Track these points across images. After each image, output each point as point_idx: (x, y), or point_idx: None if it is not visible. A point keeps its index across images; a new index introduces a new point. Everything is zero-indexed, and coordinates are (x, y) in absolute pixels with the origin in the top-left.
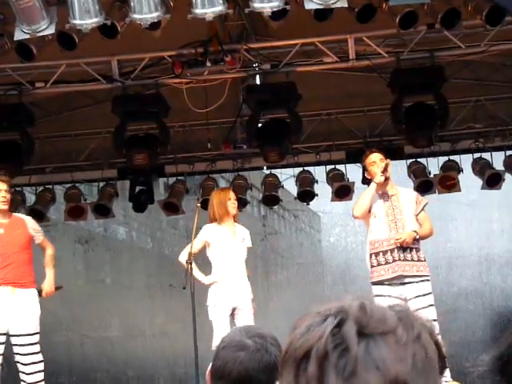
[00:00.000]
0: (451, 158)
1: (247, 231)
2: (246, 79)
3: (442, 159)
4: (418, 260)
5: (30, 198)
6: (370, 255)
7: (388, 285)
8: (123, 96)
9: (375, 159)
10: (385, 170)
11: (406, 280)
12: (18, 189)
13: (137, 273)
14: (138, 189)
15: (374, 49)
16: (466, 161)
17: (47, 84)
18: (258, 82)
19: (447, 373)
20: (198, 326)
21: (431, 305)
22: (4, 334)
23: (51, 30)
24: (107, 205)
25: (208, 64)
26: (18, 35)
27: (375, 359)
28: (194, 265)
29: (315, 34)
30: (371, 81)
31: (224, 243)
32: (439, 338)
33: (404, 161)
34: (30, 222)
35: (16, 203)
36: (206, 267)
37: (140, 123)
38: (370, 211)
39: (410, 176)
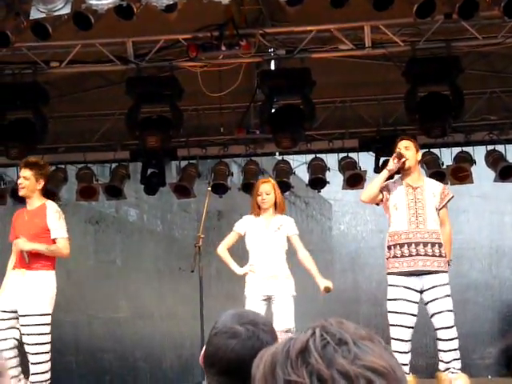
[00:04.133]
0: (464, 149)
1: (289, 220)
2: (261, 64)
3: (456, 150)
4: (440, 255)
5: None
6: (388, 247)
7: (403, 275)
8: (137, 78)
9: (400, 146)
10: (398, 159)
11: (424, 272)
12: None
13: (146, 255)
14: (149, 171)
15: (390, 37)
16: (479, 152)
17: (62, 64)
18: (272, 67)
19: (457, 364)
20: (205, 309)
21: (448, 295)
22: (9, 312)
23: (67, 10)
24: (119, 186)
25: (223, 48)
26: (34, 14)
27: (368, 351)
28: (228, 255)
29: (331, 21)
30: (386, 69)
31: (257, 234)
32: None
33: None
34: (51, 216)
35: None
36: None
37: (153, 106)
38: (387, 200)
39: (422, 166)
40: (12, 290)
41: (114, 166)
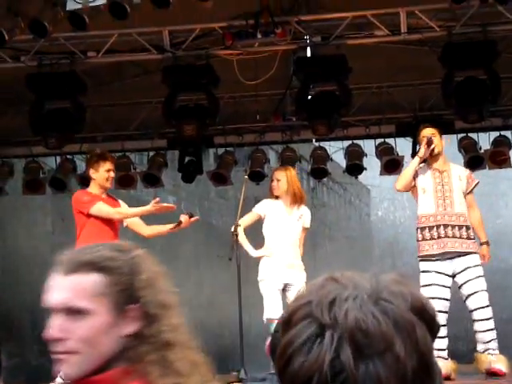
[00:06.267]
0: (502, 133)
1: (308, 212)
2: (297, 51)
3: (493, 134)
4: (468, 238)
5: (81, 166)
6: (417, 229)
7: (435, 260)
8: (174, 66)
9: (426, 134)
10: (428, 145)
11: (454, 255)
12: (69, 157)
13: (185, 242)
14: (187, 159)
15: (426, 22)
16: None
17: (99, 53)
18: (308, 54)
19: (494, 344)
20: (244, 297)
21: (480, 276)
22: None
23: (103, 0)
24: (156, 174)
25: (258, 36)
26: (71, 5)
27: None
28: (243, 236)
29: (367, 7)
30: (422, 54)
31: (278, 219)
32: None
33: (454, 135)
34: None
35: (67, 171)
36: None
37: (190, 94)
38: (415, 185)
39: (460, 151)
40: None
41: (151, 154)
